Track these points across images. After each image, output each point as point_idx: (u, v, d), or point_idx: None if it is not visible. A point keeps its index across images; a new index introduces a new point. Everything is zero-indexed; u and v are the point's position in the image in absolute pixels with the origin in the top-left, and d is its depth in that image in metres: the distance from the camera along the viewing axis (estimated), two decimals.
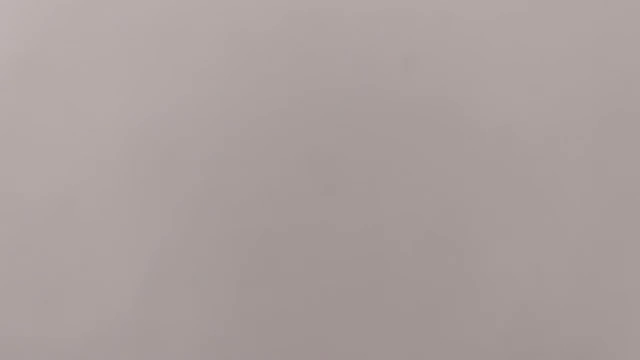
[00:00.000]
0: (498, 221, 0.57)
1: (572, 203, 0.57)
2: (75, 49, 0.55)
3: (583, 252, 0.57)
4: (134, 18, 0.55)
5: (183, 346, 0.56)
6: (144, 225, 0.56)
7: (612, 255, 0.57)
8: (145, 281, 0.56)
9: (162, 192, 0.56)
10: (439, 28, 0.56)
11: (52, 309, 0.56)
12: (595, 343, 0.57)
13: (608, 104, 0.57)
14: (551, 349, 0.57)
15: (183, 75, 0.56)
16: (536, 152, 0.57)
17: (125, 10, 0.55)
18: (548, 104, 0.57)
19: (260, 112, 0.56)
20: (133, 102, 0.56)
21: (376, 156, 0.56)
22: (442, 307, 0.56)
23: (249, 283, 0.56)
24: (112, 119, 0.56)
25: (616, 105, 0.57)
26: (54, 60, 0.55)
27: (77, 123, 0.55)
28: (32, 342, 0.55)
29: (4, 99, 0.55)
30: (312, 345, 0.56)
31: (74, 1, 0.55)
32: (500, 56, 0.56)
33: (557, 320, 0.56)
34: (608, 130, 0.57)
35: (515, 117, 0.57)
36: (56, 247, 0.55)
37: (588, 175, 0.57)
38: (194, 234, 0.56)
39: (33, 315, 0.56)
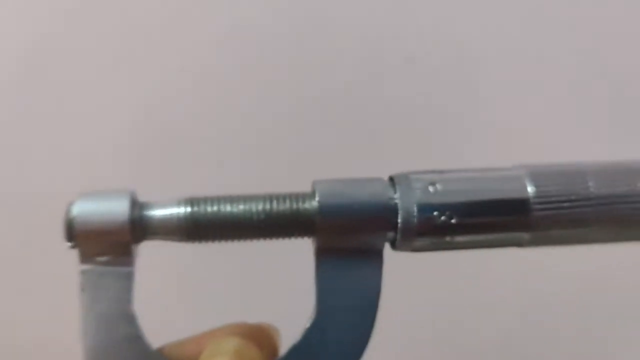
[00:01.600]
0: None
1: None
2: (75, 49, 0.56)
3: (583, 252, 0.56)
4: (135, 19, 0.56)
5: None
6: None
7: (611, 254, 0.56)
8: (146, 283, 0.55)
9: (163, 192, 0.55)
10: (439, 28, 0.57)
11: (54, 311, 0.55)
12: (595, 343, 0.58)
13: (608, 102, 0.57)
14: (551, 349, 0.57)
15: (183, 75, 0.57)
16: (536, 151, 0.56)
17: (125, 11, 0.56)
18: (548, 103, 0.57)
19: (259, 111, 0.57)
20: (133, 102, 0.57)
21: (375, 156, 0.57)
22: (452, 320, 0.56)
23: (251, 283, 0.57)
24: (113, 119, 0.57)
25: (616, 103, 0.57)
26: (54, 61, 0.56)
27: (77, 123, 0.57)
28: (34, 345, 0.57)
29: (5, 100, 0.56)
30: None
31: (75, 2, 0.56)
32: (499, 56, 0.57)
33: (557, 321, 0.58)
34: (608, 129, 0.58)
35: (515, 116, 0.57)
36: (56, 248, 0.55)
37: None
38: None
39: (35, 318, 0.57)
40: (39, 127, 0.57)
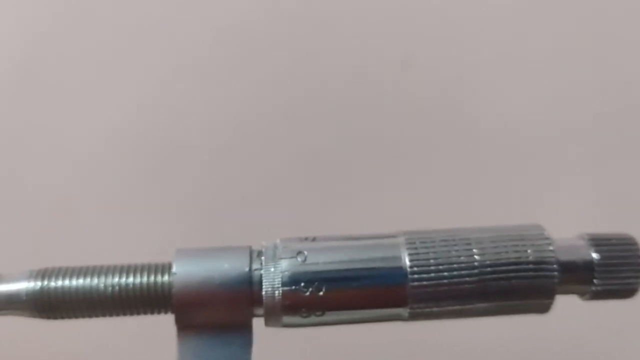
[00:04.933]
0: (497, 220, 0.55)
1: (572, 202, 0.57)
2: (75, 49, 0.56)
3: None
4: (133, 19, 0.56)
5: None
6: (143, 226, 0.57)
7: None
8: None
9: (162, 192, 0.57)
10: (439, 28, 0.57)
11: None
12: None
13: (607, 102, 0.56)
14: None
15: (182, 76, 0.56)
16: (535, 151, 0.57)
17: (124, 12, 0.56)
18: (547, 103, 0.56)
19: (259, 112, 0.57)
20: (132, 103, 0.56)
21: (375, 156, 0.57)
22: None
23: None
24: (112, 120, 0.56)
25: (616, 103, 0.56)
26: (54, 61, 0.56)
27: (76, 124, 0.56)
28: (33, 344, 0.55)
29: (5, 101, 0.56)
30: None
31: (74, 3, 0.56)
32: (499, 56, 0.57)
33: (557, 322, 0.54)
34: (607, 129, 0.57)
35: (515, 116, 0.57)
36: (55, 247, 0.55)
37: (587, 174, 0.57)
38: (195, 233, 0.56)
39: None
40: (35, 127, 0.56)
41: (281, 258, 0.26)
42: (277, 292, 0.25)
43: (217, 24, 0.56)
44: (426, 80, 0.56)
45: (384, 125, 0.56)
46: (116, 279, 0.26)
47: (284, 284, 0.25)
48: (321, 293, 0.25)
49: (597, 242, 0.26)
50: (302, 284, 0.25)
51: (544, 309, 0.26)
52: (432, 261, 0.25)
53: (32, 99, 0.56)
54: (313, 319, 0.26)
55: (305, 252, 0.26)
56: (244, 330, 0.26)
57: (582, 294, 0.27)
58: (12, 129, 0.56)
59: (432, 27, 0.56)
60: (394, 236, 0.26)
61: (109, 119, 0.56)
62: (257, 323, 0.27)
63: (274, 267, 0.25)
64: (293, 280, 0.25)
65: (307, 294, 0.25)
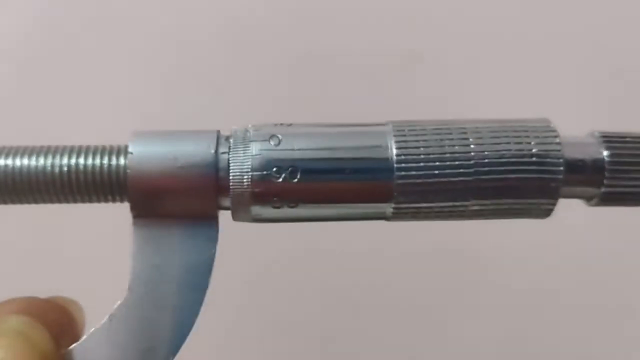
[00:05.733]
0: (497, 221, 0.53)
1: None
2: (75, 49, 0.56)
3: (583, 251, 0.55)
4: (133, 19, 0.56)
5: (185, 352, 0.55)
6: None
7: (613, 254, 0.55)
8: None
9: None
10: (440, 28, 0.56)
11: None
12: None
13: (608, 100, 0.55)
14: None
15: (182, 76, 0.56)
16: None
17: (124, 12, 0.56)
18: (548, 102, 0.55)
19: (259, 112, 0.53)
20: (132, 103, 0.56)
21: None
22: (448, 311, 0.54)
23: (252, 286, 0.55)
24: (112, 120, 0.54)
25: (615, 101, 0.55)
26: (53, 61, 0.56)
27: (76, 124, 0.54)
28: None
29: (5, 101, 0.55)
30: None
31: (74, 4, 0.56)
32: (500, 55, 0.56)
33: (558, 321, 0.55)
34: (607, 127, 0.53)
35: (515, 116, 0.53)
36: (55, 246, 0.55)
37: None
38: None
39: None
40: (35, 127, 0.53)
41: (252, 141, 0.23)
42: (245, 177, 0.22)
43: (217, 23, 0.56)
44: (430, 79, 0.55)
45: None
46: (65, 160, 0.23)
47: (253, 169, 0.22)
48: (295, 181, 0.22)
49: (610, 139, 0.23)
50: (274, 169, 0.22)
51: (544, 212, 0.23)
52: (422, 150, 0.22)
53: (32, 99, 0.55)
54: (286, 210, 0.23)
55: (280, 136, 0.23)
56: (209, 223, 0.23)
57: (589, 199, 0.24)
58: (12, 129, 0.51)
59: (437, 26, 0.56)
60: (381, 124, 0.23)
61: (109, 119, 0.54)
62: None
63: (244, 151, 0.22)
64: (264, 164, 0.22)
65: (280, 180, 0.22)
